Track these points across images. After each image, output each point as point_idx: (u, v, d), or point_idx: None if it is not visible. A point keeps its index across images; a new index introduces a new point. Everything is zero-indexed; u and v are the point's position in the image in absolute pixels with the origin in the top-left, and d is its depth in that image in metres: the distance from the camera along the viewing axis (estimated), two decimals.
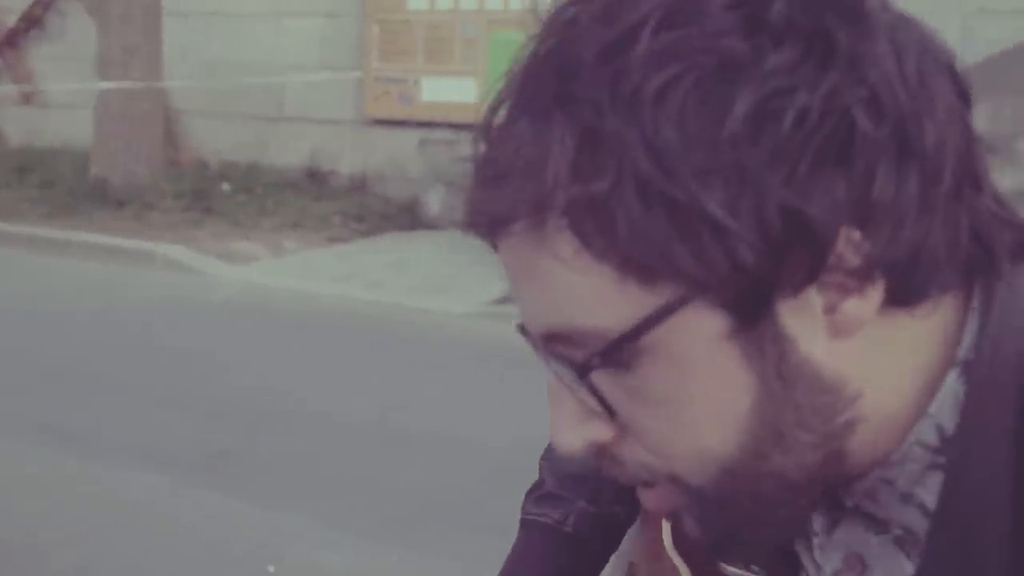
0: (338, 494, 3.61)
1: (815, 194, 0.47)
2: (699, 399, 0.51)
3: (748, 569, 0.68)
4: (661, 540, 0.79)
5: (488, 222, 0.54)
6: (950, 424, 0.53)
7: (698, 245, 0.48)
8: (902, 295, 0.51)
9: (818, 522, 0.61)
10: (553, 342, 0.53)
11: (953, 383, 0.53)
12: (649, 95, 0.47)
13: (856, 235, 0.48)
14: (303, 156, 9.22)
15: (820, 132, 0.47)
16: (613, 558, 0.91)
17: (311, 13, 9.21)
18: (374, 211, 8.47)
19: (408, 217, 8.51)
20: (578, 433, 0.55)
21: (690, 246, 0.48)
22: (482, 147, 0.54)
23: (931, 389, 0.53)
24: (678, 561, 0.74)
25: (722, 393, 0.51)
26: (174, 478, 3.70)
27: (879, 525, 0.58)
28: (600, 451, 0.55)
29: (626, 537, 0.90)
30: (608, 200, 0.49)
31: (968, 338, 0.53)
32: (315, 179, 9.14)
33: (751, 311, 0.50)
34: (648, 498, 0.57)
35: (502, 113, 0.53)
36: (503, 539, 3.58)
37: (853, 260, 0.49)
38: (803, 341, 0.50)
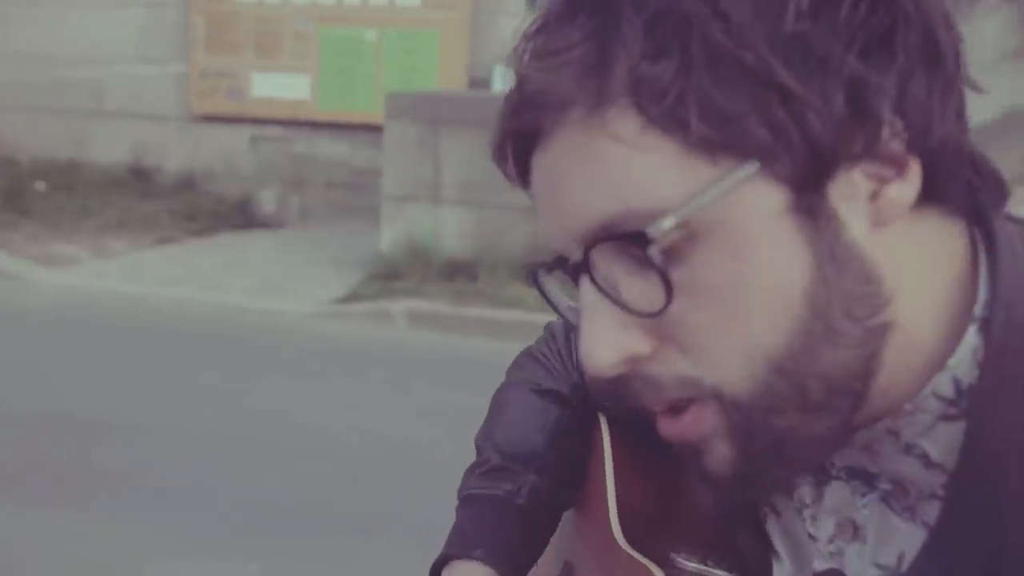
0: (187, 505, 3.50)
1: (870, 75, 0.50)
2: (754, 284, 0.51)
3: (705, 563, 0.73)
4: (610, 534, 0.82)
5: (537, 117, 0.53)
6: (966, 378, 0.54)
7: (768, 114, 0.49)
8: (933, 188, 0.53)
9: (807, 494, 0.64)
10: (602, 237, 0.52)
11: (972, 338, 0.54)
12: None
13: (899, 123, 0.51)
14: (125, 153, 8.82)
15: (871, 20, 0.50)
16: (547, 550, 0.91)
17: (131, 3, 8.81)
18: (205, 210, 8.21)
19: (241, 216, 8.29)
20: (616, 345, 0.53)
21: (760, 115, 0.49)
22: (528, 44, 0.54)
23: (949, 339, 0.54)
24: (634, 553, 0.77)
25: (778, 275, 0.51)
26: (14, 498, 3.49)
27: (866, 484, 0.60)
28: (634, 369, 0.54)
29: (557, 534, 0.92)
30: (677, 75, 0.50)
31: (982, 295, 0.55)
32: (140, 177, 8.76)
33: (812, 185, 0.51)
34: (675, 426, 0.55)
35: (549, 10, 0.54)
36: (365, 540, 3.61)
37: (896, 147, 0.51)
38: (851, 224, 0.52)
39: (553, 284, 0.60)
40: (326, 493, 3.62)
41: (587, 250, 0.53)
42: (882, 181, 0.52)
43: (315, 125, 8.40)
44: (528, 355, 0.97)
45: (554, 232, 0.55)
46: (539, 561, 0.90)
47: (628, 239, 0.51)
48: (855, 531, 0.61)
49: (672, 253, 0.51)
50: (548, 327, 0.97)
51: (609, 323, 0.53)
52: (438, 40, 8.06)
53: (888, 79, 0.50)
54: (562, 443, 0.90)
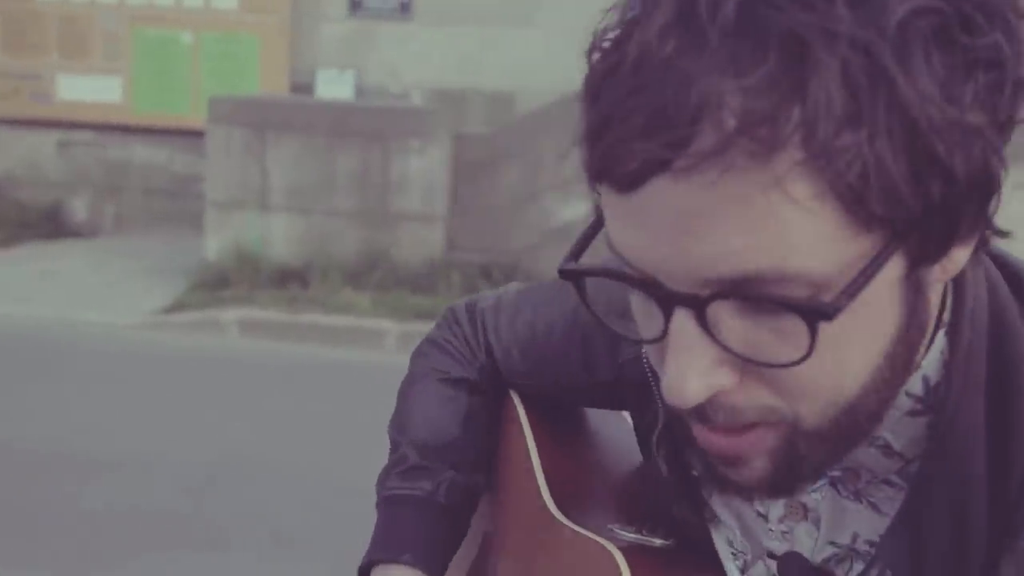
0: (17, 523, 3.37)
1: (998, 151, 0.51)
2: (860, 343, 0.53)
3: (640, 533, 0.77)
4: (544, 512, 0.85)
5: (694, 140, 0.48)
6: (934, 377, 0.59)
7: (928, 194, 0.49)
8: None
9: None
10: (738, 292, 0.51)
11: (940, 341, 0.59)
12: (915, 39, 0.47)
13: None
14: None
15: (1012, 102, 0.51)
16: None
17: None
18: (9, 218, 7.76)
19: (50, 224, 7.89)
20: (705, 382, 0.53)
21: (921, 194, 0.49)
22: (647, 74, 0.49)
23: (925, 344, 0.59)
24: (580, 530, 0.80)
25: (876, 334, 0.54)
26: None
27: None
28: (715, 399, 0.55)
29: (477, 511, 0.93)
30: (862, 145, 0.48)
31: (949, 302, 0.59)
32: None
33: (930, 256, 0.53)
34: (728, 442, 0.57)
35: (661, 38, 0.49)
36: (214, 552, 3.60)
37: (980, 223, 0.54)
38: (930, 288, 0.56)
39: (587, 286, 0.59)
40: (168, 506, 3.56)
41: (715, 293, 0.51)
42: (959, 245, 0.54)
43: (129, 129, 8.11)
44: (432, 343, 0.97)
45: (664, 260, 0.52)
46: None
47: (795, 309, 0.50)
48: (805, 512, 0.67)
49: (836, 309, 0.51)
50: (450, 311, 0.98)
51: (703, 360, 0.53)
52: (257, 44, 7.95)
53: (1002, 158, 0.52)
54: (475, 430, 0.92)
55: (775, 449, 0.57)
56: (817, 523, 0.68)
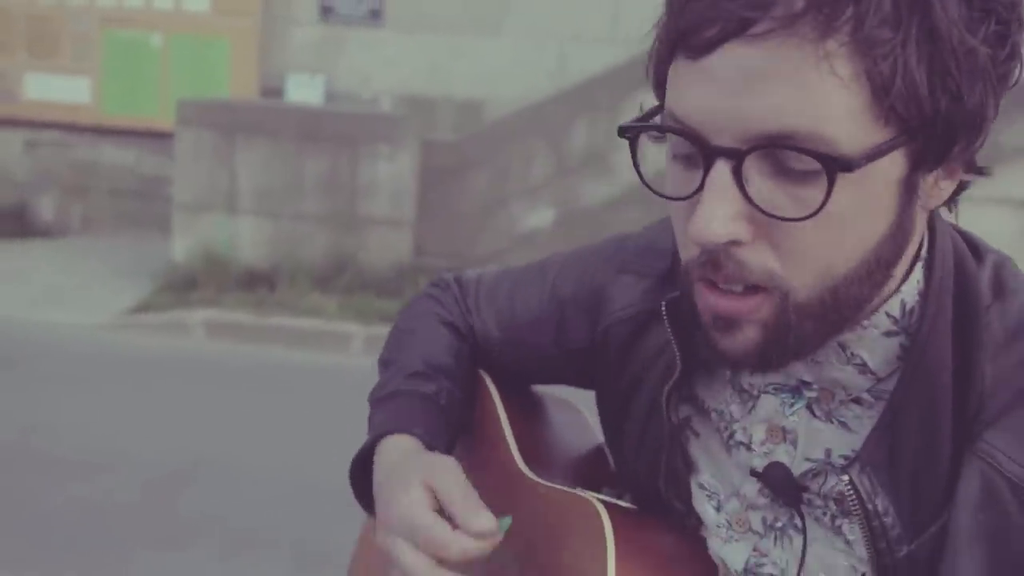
0: None
1: (991, 102, 0.65)
2: (857, 226, 0.65)
3: (600, 491, 0.85)
4: (517, 472, 0.91)
5: (768, 14, 0.61)
6: (910, 302, 0.71)
7: (937, 103, 0.62)
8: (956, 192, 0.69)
9: (736, 411, 0.79)
10: (780, 145, 0.62)
11: (918, 273, 0.71)
12: None
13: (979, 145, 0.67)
14: None
15: (1009, 63, 0.65)
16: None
17: None
18: None
19: (16, 224, 7.85)
20: (726, 227, 0.64)
21: (933, 102, 0.62)
22: None
23: (903, 276, 0.71)
24: (548, 483, 0.88)
25: (872, 224, 0.65)
26: None
27: (794, 395, 0.75)
28: (728, 248, 0.66)
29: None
30: (900, 46, 0.61)
31: (926, 243, 0.72)
32: None
33: (926, 165, 0.65)
34: (730, 303, 0.67)
35: None
36: (176, 552, 3.62)
37: (967, 154, 0.67)
38: (919, 200, 0.68)
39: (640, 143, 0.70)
40: (131, 506, 3.58)
41: (755, 146, 0.63)
42: (942, 178, 0.68)
43: (97, 130, 8.09)
44: (427, 296, 1.07)
45: (716, 116, 0.64)
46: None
47: (818, 157, 0.62)
48: (784, 435, 0.77)
49: (847, 170, 0.62)
50: (439, 279, 1.08)
51: (728, 208, 0.64)
52: (228, 47, 7.96)
53: (996, 108, 0.66)
54: (463, 365, 1.01)
55: (767, 320, 0.68)
56: (795, 443, 0.77)
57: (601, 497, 0.85)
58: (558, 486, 0.89)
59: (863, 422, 0.75)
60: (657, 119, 0.70)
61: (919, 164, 0.66)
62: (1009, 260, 0.76)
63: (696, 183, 0.66)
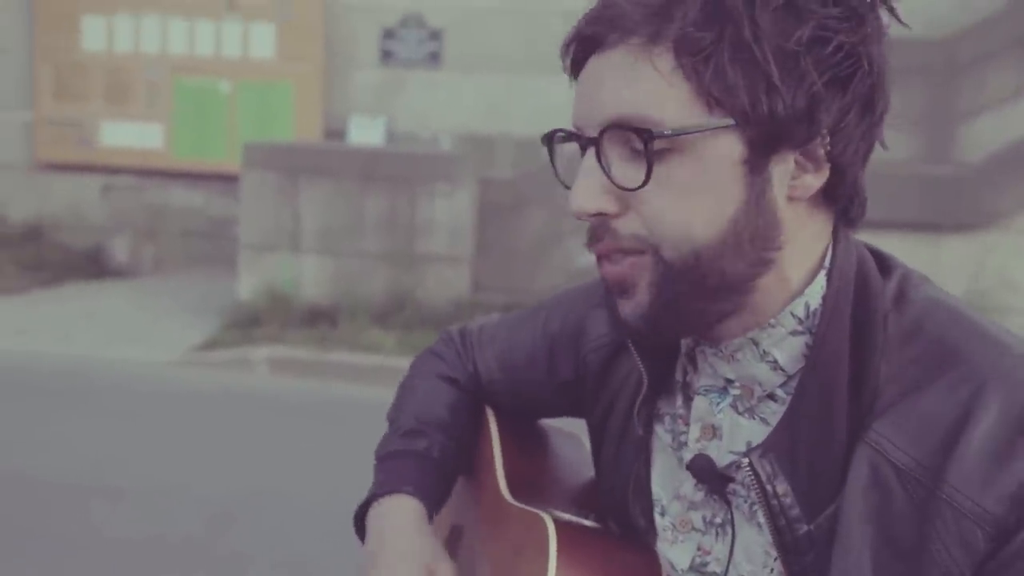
0: (58, 554, 3.52)
1: (824, 97, 0.75)
2: (704, 196, 0.77)
3: (570, 513, 0.93)
4: (500, 497, 1.00)
5: (609, 31, 0.77)
6: (813, 304, 0.81)
7: (754, 93, 0.75)
8: (829, 192, 0.79)
9: (680, 408, 0.88)
10: (617, 126, 0.76)
11: (821, 279, 0.81)
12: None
13: (828, 137, 0.77)
14: None
15: (841, 63, 0.75)
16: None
17: None
18: (53, 260, 8.04)
19: (92, 266, 8.16)
20: (594, 200, 0.79)
21: (750, 92, 0.75)
22: None
23: (807, 281, 0.81)
24: (521, 505, 0.96)
25: (721, 197, 0.77)
26: None
27: (720, 394, 0.85)
28: (603, 220, 0.79)
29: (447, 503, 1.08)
30: (710, 44, 0.75)
31: (829, 255, 0.82)
32: None
33: (761, 151, 0.76)
34: (615, 268, 0.80)
35: None
36: None
37: (821, 152, 0.78)
38: (775, 188, 0.78)
39: (559, 152, 0.85)
40: (195, 538, 3.68)
41: (602, 131, 0.78)
42: (803, 170, 0.79)
43: (168, 174, 8.38)
44: (430, 353, 1.18)
45: (584, 113, 0.80)
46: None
47: (637, 131, 0.76)
48: (714, 432, 0.86)
49: (659, 154, 0.76)
50: (446, 332, 1.19)
51: (595, 185, 0.79)
52: (292, 91, 8.21)
53: (834, 105, 0.76)
54: (460, 416, 1.11)
55: (651, 277, 0.79)
56: (722, 438, 0.86)
57: (554, 513, 0.92)
58: (523, 506, 0.97)
59: (778, 417, 0.82)
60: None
61: (756, 148, 0.77)
62: (914, 273, 0.85)
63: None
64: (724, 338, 0.83)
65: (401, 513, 1.02)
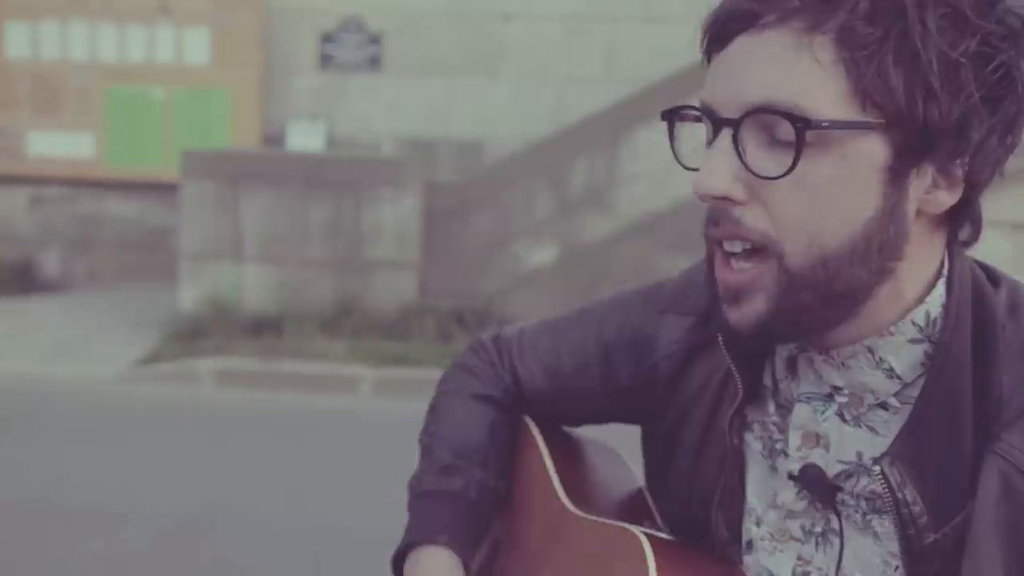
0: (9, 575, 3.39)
1: (978, 114, 0.74)
2: (840, 199, 0.75)
3: (642, 524, 0.91)
4: (561, 507, 0.97)
5: (768, 9, 0.75)
6: (933, 313, 0.81)
7: (912, 98, 0.73)
8: (952, 213, 0.79)
9: (773, 414, 0.87)
10: (765, 111, 0.74)
11: (940, 289, 0.81)
12: (930, 2, 0.74)
13: (967, 158, 0.76)
14: None
15: (999, 83, 0.75)
16: None
17: None
18: None
19: (21, 280, 7.89)
20: (722, 183, 0.76)
21: (907, 96, 0.73)
22: None
23: (924, 291, 0.81)
24: (592, 516, 0.93)
25: (856, 202, 0.75)
26: None
27: (825, 402, 0.83)
28: (726, 206, 0.77)
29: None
30: (875, 42, 0.73)
31: (946, 267, 0.82)
32: None
33: (906, 160, 0.75)
34: (734, 275, 0.78)
35: None
36: None
37: (959, 170, 0.76)
38: (910, 200, 0.77)
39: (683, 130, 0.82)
40: (147, 556, 3.58)
41: (745, 114, 0.75)
42: (937, 186, 0.77)
43: (101, 184, 8.17)
44: (461, 367, 1.12)
45: (724, 93, 0.77)
46: None
47: (791, 118, 0.73)
48: (817, 440, 0.85)
49: (806, 147, 0.74)
50: (477, 341, 1.14)
51: (726, 168, 0.76)
52: (230, 98, 8.06)
53: (984, 124, 0.75)
54: (499, 439, 1.07)
55: (770, 289, 0.77)
56: (827, 447, 0.85)
57: (642, 529, 0.90)
58: (600, 519, 0.94)
59: (889, 426, 0.82)
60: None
61: (902, 155, 0.75)
62: (1021, 285, 0.86)
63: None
64: (835, 345, 0.82)
65: (433, 569, 0.98)
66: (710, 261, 0.82)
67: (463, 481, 1.03)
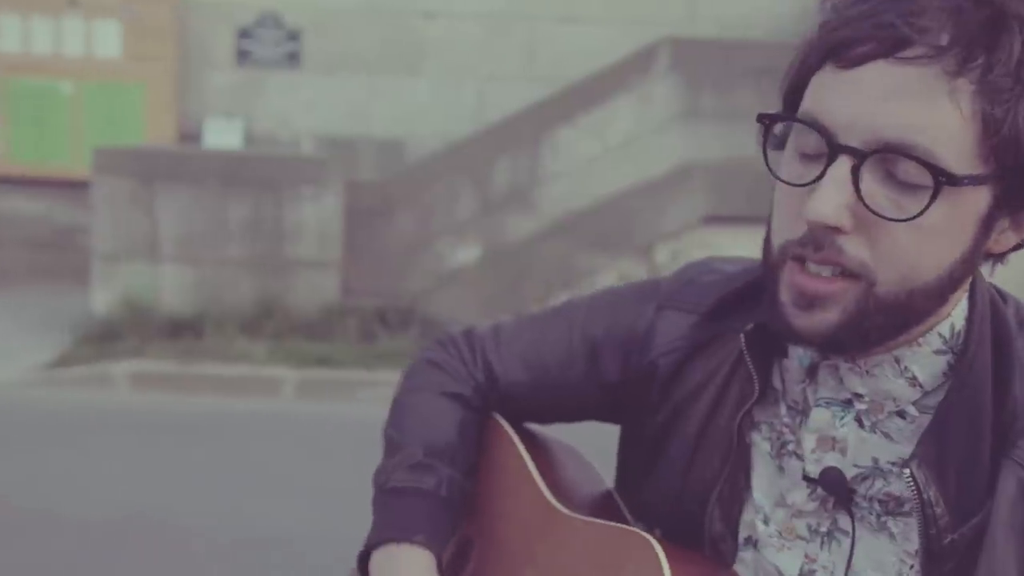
0: None
1: None
2: (943, 241, 0.78)
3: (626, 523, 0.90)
4: (548, 507, 0.96)
5: (924, 37, 0.73)
6: (957, 325, 0.84)
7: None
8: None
9: (784, 416, 0.89)
10: (899, 153, 0.74)
11: (964, 303, 0.85)
12: None
13: None
14: None
15: None
16: None
17: None
18: None
19: None
20: (835, 212, 0.76)
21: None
22: None
23: (953, 306, 0.84)
24: (587, 518, 0.93)
25: (954, 244, 0.78)
26: None
27: (844, 407, 0.86)
28: (831, 233, 0.77)
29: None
30: (1011, 98, 0.74)
31: (968, 283, 0.85)
32: None
33: (1003, 209, 0.79)
34: (817, 283, 0.79)
35: None
36: None
37: None
38: (989, 241, 0.81)
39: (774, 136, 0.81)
40: (65, 565, 3.47)
41: (877, 150, 0.75)
42: (1009, 228, 0.82)
43: (5, 181, 7.86)
44: (428, 363, 1.09)
45: (849, 117, 0.76)
46: None
47: (932, 170, 0.74)
48: (833, 444, 0.88)
49: (950, 188, 0.75)
50: (446, 336, 1.11)
51: (839, 198, 0.76)
52: (143, 93, 7.84)
53: None
54: (468, 438, 1.05)
55: (849, 305, 0.79)
56: (843, 451, 0.87)
57: (645, 530, 0.90)
58: (596, 520, 0.94)
59: (905, 434, 0.86)
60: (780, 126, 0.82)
61: (1000, 205, 0.79)
62: (1021, 301, 0.90)
63: (814, 175, 0.78)
64: (865, 355, 0.84)
65: (412, 568, 0.96)
66: (774, 264, 0.82)
67: (435, 479, 1.01)
